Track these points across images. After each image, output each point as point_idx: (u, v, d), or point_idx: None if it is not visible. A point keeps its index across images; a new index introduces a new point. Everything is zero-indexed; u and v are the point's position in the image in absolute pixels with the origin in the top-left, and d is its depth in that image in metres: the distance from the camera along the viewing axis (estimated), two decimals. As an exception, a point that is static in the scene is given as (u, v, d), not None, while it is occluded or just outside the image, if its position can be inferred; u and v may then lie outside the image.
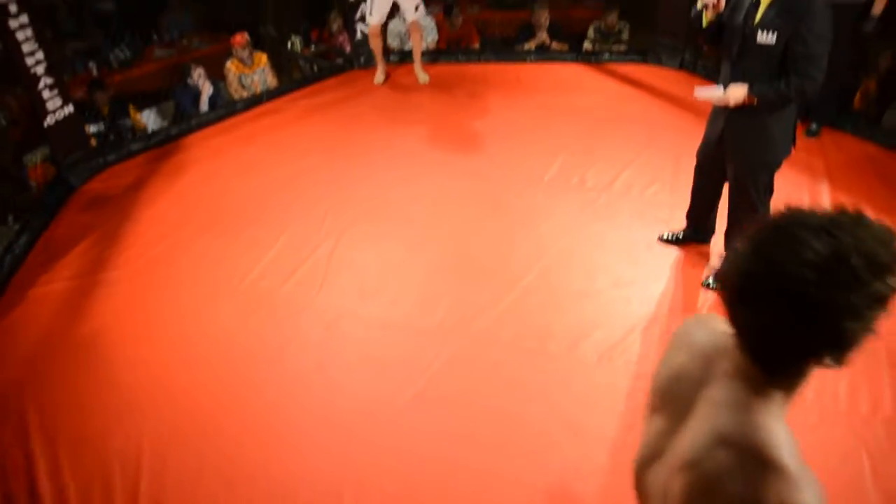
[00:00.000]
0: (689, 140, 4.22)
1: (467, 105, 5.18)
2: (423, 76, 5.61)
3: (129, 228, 3.98)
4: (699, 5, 2.86)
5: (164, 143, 4.91)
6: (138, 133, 5.06)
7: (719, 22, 2.84)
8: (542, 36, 6.07)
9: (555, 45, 6.07)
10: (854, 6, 4.00)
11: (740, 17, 2.75)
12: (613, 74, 5.58)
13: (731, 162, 3.02)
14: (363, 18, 5.46)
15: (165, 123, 5.35)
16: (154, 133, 5.00)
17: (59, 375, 3.00)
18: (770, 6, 2.64)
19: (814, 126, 4.45)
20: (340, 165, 4.44)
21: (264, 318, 3.25)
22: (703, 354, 1.14)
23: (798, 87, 2.65)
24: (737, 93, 2.79)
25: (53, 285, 3.56)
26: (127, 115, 5.16)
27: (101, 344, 3.16)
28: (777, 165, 2.94)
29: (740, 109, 2.83)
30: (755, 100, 2.77)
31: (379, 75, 5.65)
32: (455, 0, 7.07)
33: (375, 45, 5.52)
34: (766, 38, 2.66)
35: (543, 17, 6.05)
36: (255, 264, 3.59)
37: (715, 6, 2.81)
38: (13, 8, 3.91)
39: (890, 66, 4.72)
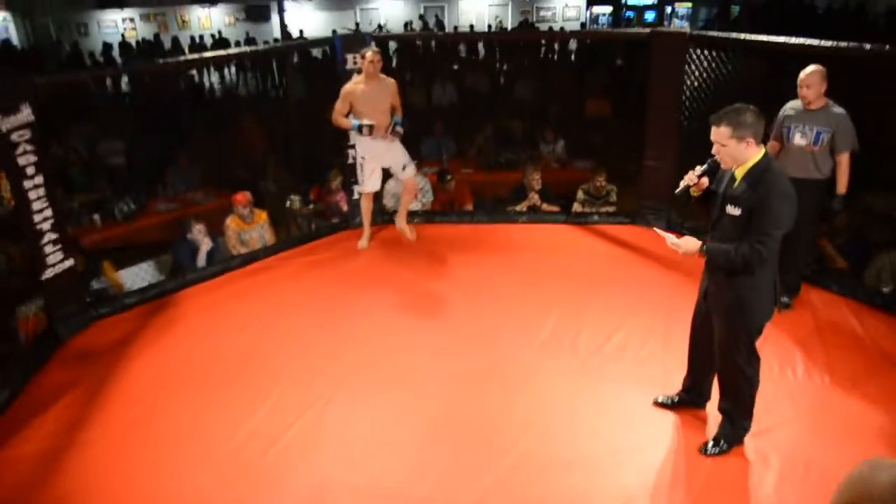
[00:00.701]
0: (679, 301, 4.30)
1: (460, 266, 5.25)
2: (409, 233, 5.60)
3: (114, 385, 3.89)
4: (682, 186, 3.02)
5: (159, 296, 4.93)
6: (113, 292, 5.01)
7: (708, 189, 3.01)
8: (534, 197, 6.26)
9: (545, 207, 6.25)
10: (819, 182, 4.13)
11: (721, 187, 2.92)
12: (603, 235, 5.73)
13: (714, 323, 3.06)
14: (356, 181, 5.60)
15: (162, 277, 5.40)
16: (150, 286, 5.03)
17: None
18: (742, 180, 2.80)
19: (785, 299, 4.38)
20: (331, 326, 4.43)
21: (248, 485, 3.10)
22: None
23: (744, 254, 2.74)
24: (688, 245, 2.93)
25: (28, 445, 3.42)
26: (100, 273, 5.08)
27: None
28: (756, 330, 2.97)
29: (716, 270, 2.93)
30: (703, 256, 2.90)
31: (363, 241, 5.64)
32: (447, 166, 7.42)
33: (365, 209, 5.59)
34: (732, 210, 2.81)
35: (535, 179, 6.26)
36: (242, 427, 3.48)
37: (697, 186, 2.98)
38: (30, 170, 4.07)
39: (847, 225, 4.97)
